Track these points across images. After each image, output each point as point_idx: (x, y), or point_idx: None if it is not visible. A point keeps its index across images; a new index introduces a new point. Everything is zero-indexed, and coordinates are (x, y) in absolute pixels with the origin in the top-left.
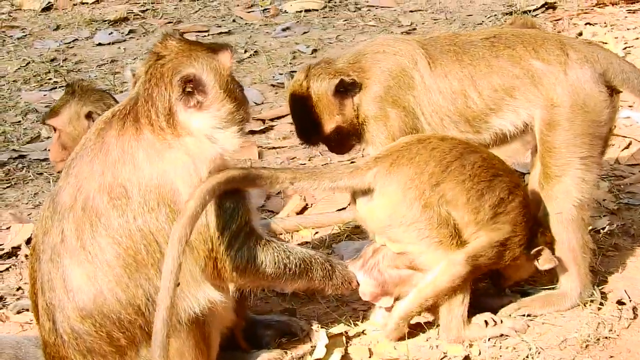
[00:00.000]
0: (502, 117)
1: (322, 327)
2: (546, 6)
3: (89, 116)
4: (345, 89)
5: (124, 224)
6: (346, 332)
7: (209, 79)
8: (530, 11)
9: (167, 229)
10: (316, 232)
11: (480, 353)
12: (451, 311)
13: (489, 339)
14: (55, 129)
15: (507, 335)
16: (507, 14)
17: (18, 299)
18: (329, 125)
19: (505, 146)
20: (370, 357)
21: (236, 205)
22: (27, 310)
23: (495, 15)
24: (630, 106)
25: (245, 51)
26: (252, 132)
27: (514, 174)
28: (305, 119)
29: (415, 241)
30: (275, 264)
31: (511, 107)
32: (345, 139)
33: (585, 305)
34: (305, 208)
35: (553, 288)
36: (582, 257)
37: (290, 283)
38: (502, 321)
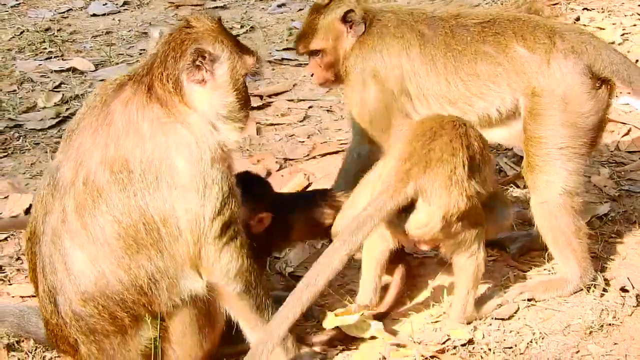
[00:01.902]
0: (486, 102)
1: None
2: None
3: (344, 19)
4: (352, 23)
5: (125, 199)
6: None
7: (222, 65)
8: None
9: (162, 207)
10: None
11: (484, 337)
12: (469, 291)
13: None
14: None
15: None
16: None
17: (17, 269)
18: (317, 43)
19: (494, 129)
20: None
21: (231, 190)
22: None
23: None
24: (628, 92)
25: (242, 26)
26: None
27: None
28: (308, 24)
29: (467, 230)
30: (246, 277)
31: (495, 94)
32: (325, 68)
33: (588, 292)
34: (307, 187)
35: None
36: (578, 242)
37: (242, 302)
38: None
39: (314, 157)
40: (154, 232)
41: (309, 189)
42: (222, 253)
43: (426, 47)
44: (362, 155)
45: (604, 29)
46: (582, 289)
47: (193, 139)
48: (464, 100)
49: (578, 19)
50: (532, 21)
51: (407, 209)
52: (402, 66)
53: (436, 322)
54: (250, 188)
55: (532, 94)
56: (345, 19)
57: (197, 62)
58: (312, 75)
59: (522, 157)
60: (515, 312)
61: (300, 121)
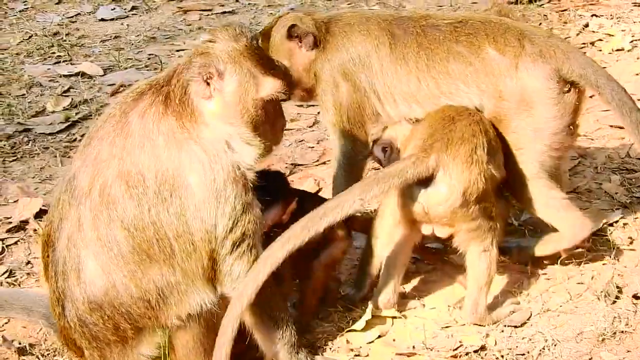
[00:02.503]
0: (454, 102)
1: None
2: None
3: (290, 35)
4: (299, 37)
5: (139, 215)
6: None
7: (230, 84)
8: (535, 1)
9: (176, 223)
10: None
11: (496, 343)
12: (481, 288)
13: (506, 325)
14: None
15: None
16: (512, 2)
17: (28, 273)
18: None
19: None
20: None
21: (245, 208)
22: None
23: (501, 3)
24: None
25: (250, 31)
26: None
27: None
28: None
29: (482, 218)
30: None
31: (463, 94)
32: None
33: (599, 299)
34: (317, 192)
35: None
36: (568, 204)
37: (256, 317)
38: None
39: (324, 163)
40: (167, 248)
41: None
42: (233, 267)
43: (397, 45)
44: (348, 160)
45: (613, 35)
46: (577, 247)
47: (206, 157)
48: (433, 99)
49: (587, 25)
50: (503, 23)
51: (427, 184)
52: (371, 62)
53: (448, 327)
54: (275, 187)
55: (499, 97)
56: (290, 34)
57: (205, 77)
58: None
59: None
60: (528, 319)
61: (310, 126)
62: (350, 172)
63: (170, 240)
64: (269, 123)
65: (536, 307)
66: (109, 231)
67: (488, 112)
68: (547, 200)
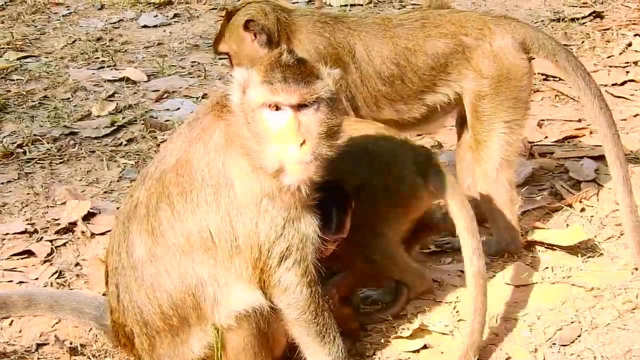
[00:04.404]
0: (437, 92)
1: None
2: (594, 15)
3: (246, 27)
4: (254, 32)
5: (183, 203)
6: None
7: (235, 93)
8: (577, 19)
9: (220, 222)
10: None
11: (544, 359)
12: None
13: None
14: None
15: None
16: (553, 20)
17: (77, 275)
18: (223, 47)
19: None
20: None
21: (287, 223)
22: None
23: (542, 21)
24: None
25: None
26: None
27: None
28: (222, 29)
29: None
30: (308, 306)
31: (445, 82)
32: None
33: None
34: None
35: None
36: (509, 211)
37: (303, 330)
38: None
39: None
40: (208, 242)
41: None
42: (281, 279)
43: (372, 50)
44: None
45: None
46: (503, 254)
47: (250, 167)
48: (416, 94)
49: (630, 44)
50: (461, 13)
51: None
52: (352, 73)
53: (495, 341)
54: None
55: (480, 76)
56: (247, 27)
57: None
58: None
59: (578, 181)
60: (578, 336)
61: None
62: None
63: (212, 232)
64: (269, 133)
65: (585, 323)
66: (155, 213)
67: (470, 92)
68: (500, 192)
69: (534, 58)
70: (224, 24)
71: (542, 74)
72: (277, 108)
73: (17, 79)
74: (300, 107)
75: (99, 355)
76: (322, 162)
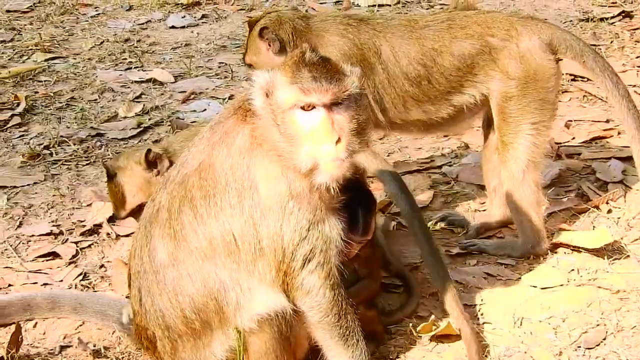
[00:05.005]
0: (463, 93)
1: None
2: (623, 14)
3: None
4: (268, 41)
5: (206, 207)
6: None
7: (258, 95)
8: (606, 19)
9: (244, 225)
10: None
11: None
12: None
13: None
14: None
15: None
16: (582, 20)
17: (102, 277)
18: (247, 58)
19: (459, 121)
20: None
21: (311, 226)
22: None
23: (571, 21)
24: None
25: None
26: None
27: None
28: (246, 40)
29: None
30: (331, 309)
31: (471, 83)
32: None
33: None
34: (388, 205)
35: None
36: (535, 213)
37: (326, 333)
38: None
39: None
40: (231, 245)
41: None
42: (304, 281)
43: (398, 51)
44: None
45: None
46: (529, 256)
47: (278, 168)
48: (443, 94)
49: None
50: (487, 14)
51: None
52: (378, 74)
53: (519, 345)
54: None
55: (507, 78)
56: (261, 35)
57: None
58: None
59: (605, 182)
60: (603, 339)
61: (380, 139)
62: None
63: (236, 236)
64: (297, 135)
65: (610, 326)
66: (178, 216)
67: (497, 94)
68: (527, 193)
69: (561, 59)
70: (247, 35)
71: (571, 74)
72: (309, 108)
73: (44, 80)
74: (332, 105)
75: (122, 358)
76: (355, 159)
